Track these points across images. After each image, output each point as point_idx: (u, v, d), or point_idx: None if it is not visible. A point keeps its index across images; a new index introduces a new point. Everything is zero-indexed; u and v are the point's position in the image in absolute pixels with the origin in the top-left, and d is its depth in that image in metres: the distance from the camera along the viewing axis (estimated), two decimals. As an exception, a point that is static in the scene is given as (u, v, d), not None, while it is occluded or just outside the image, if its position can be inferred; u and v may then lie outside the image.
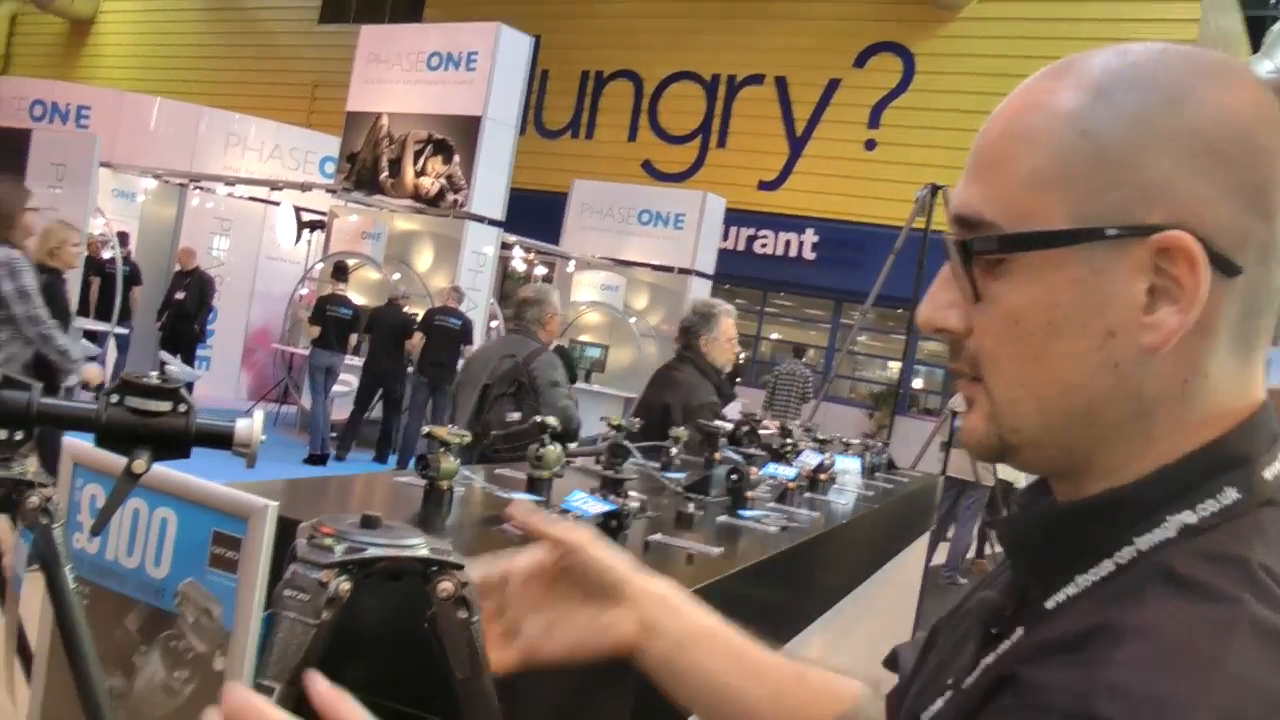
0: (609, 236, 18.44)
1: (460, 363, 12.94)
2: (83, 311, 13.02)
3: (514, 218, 15.63)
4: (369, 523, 1.19)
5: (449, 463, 2.87)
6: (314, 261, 16.13)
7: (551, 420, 3.30)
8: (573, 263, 18.46)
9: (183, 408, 1.61)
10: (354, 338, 12.85)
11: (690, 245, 17.87)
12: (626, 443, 3.60)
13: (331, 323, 12.69)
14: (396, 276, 15.30)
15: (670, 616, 1.22)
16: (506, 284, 23.40)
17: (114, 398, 1.59)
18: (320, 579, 1.12)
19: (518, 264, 19.89)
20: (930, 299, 0.93)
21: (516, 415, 5.27)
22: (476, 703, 1.21)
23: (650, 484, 3.59)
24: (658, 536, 2.73)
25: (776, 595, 2.98)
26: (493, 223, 15.04)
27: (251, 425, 1.65)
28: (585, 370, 17.34)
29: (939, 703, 0.92)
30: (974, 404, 0.92)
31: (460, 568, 1.19)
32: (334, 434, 13.24)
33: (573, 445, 3.52)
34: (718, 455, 4.23)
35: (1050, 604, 0.85)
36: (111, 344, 14.31)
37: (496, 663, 1.21)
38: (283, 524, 2.08)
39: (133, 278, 14.56)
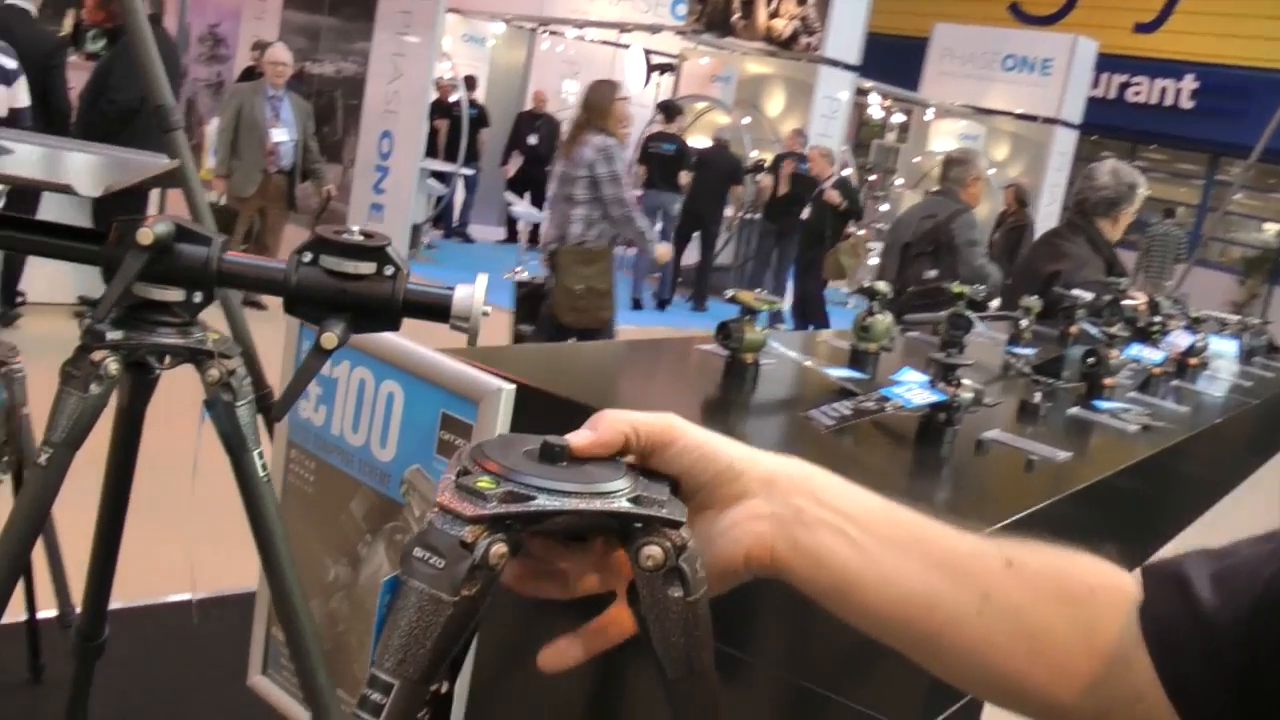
0: (970, 83, 17.43)
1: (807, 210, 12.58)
2: (430, 153, 13.25)
3: (870, 62, 15.00)
4: (551, 454, 0.81)
5: (754, 333, 2.53)
6: (663, 105, 15.95)
7: (960, 287, 3.05)
8: (931, 111, 17.68)
9: (389, 270, 1.30)
10: (683, 175, 12.47)
11: (1057, 93, 16.72)
12: (969, 313, 3.17)
13: (655, 160, 12.43)
14: (746, 121, 14.98)
15: (816, 503, 0.83)
16: (862, 131, 22.76)
17: (306, 256, 1.29)
18: (463, 538, 0.75)
19: (874, 111, 19.24)
20: None
21: (933, 273, 5.57)
22: (691, 711, 0.84)
23: (996, 364, 3.15)
24: (994, 433, 2.31)
25: (1126, 511, 2.51)
26: (848, 67, 14.48)
27: (472, 294, 1.32)
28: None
29: None
30: None
31: (677, 525, 0.80)
32: (679, 279, 13.15)
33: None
34: (1074, 330, 3.74)
35: None
36: (460, 185, 14.55)
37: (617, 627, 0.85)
38: (543, 401, 1.79)
39: (480, 120, 14.71)
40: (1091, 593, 0.84)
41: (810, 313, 11.92)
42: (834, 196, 11.31)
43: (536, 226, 14.47)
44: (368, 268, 1.29)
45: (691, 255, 13.52)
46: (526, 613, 0.85)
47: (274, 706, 2.00)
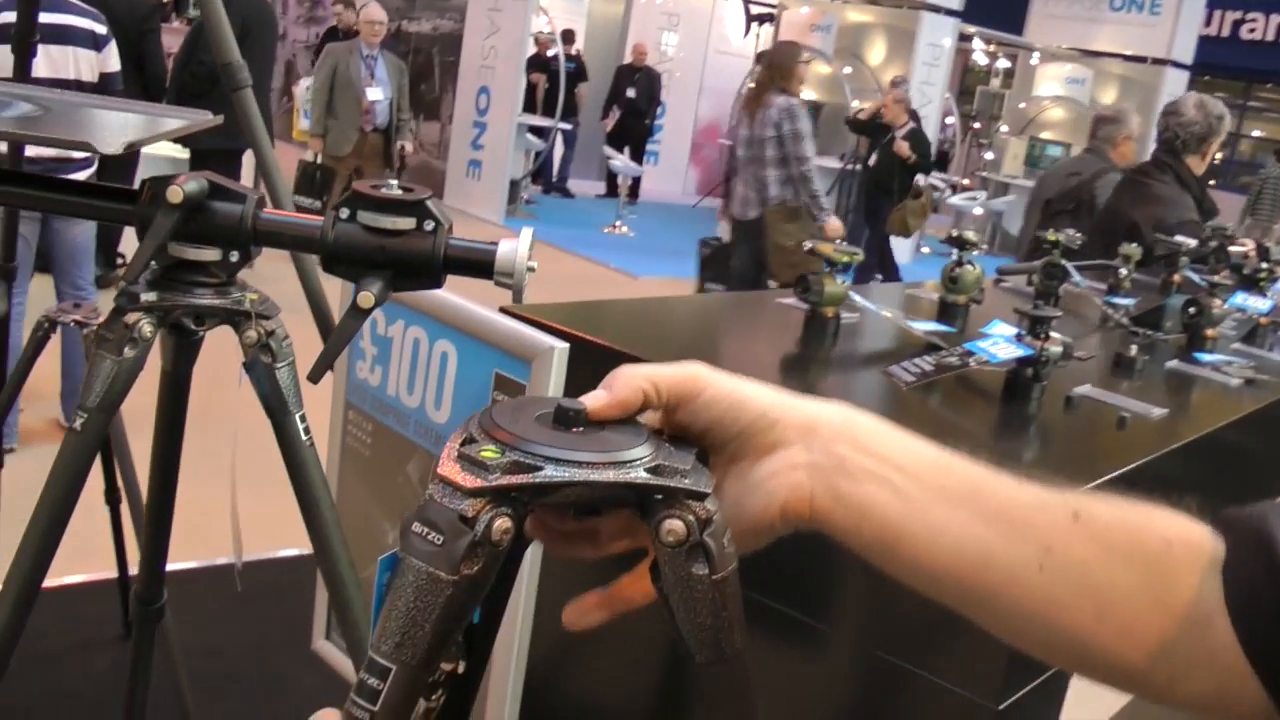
0: (1077, 25, 16.97)
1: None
2: (529, 108, 13.21)
3: (973, 7, 14.68)
4: (565, 418, 0.74)
5: (834, 285, 2.44)
6: (762, 55, 15.80)
7: (1054, 235, 3.05)
8: (1036, 55, 17.26)
9: (429, 225, 1.24)
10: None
11: (1167, 32, 16.21)
12: (1064, 262, 3.05)
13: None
14: (847, 71, 14.79)
15: (860, 451, 0.76)
16: (967, 78, 22.35)
17: (343, 212, 1.23)
18: (463, 512, 0.69)
19: (978, 57, 18.89)
20: None
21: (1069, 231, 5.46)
22: (721, 698, 0.78)
23: (1093, 315, 3.03)
24: (1084, 389, 2.20)
25: (1226, 471, 2.38)
26: (950, 13, 14.21)
27: (515, 250, 1.25)
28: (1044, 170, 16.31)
29: None
30: None
31: (702, 496, 0.73)
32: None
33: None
34: (1177, 278, 3.60)
35: None
36: (558, 140, 14.52)
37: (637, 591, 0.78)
38: (610, 361, 1.73)
39: (578, 74, 14.65)
40: (1167, 547, 0.75)
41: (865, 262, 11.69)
42: (903, 149, 10.82)
43: (637, 180, 14.40)
44: (407, 223, 1.24)
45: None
46: (588, 586, 0.78)
47: (337, 671, 1.98)
